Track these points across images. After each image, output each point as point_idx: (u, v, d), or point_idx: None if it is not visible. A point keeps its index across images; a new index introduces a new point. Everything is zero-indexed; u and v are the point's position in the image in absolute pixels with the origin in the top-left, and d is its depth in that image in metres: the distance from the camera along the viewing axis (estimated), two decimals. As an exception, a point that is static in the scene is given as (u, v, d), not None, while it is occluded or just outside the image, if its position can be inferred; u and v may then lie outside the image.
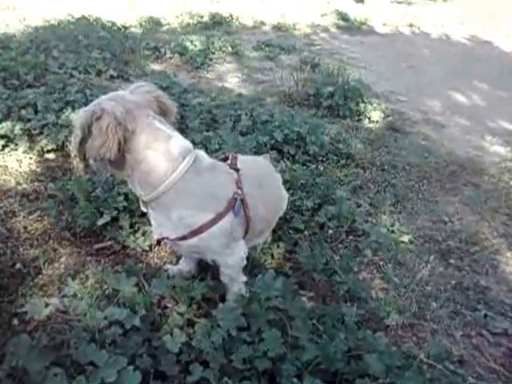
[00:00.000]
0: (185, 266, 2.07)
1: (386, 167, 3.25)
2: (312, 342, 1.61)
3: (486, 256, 2.44)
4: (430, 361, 1.51)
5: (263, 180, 1.91)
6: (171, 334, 1.62)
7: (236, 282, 1.88)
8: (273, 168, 2.20)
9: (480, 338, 1.92)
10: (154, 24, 7.57)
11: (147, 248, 2.22)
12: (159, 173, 1.55)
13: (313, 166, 3.13)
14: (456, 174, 3.30)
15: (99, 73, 4.71)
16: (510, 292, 2.22)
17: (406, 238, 2.48)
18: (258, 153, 3.00)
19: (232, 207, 1.67)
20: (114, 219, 2.33)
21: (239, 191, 1.69)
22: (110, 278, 1.92)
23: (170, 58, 5.78)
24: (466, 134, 4.25)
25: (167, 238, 1.70)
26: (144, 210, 1.73)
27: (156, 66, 5.43)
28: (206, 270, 2.05)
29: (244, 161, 1.90)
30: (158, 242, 1.89)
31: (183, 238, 1.65)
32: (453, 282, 2.21)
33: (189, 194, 1.59)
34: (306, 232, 2.42)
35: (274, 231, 2.40)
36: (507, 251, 2.51)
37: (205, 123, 3.43)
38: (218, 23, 8.09)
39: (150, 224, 1.81)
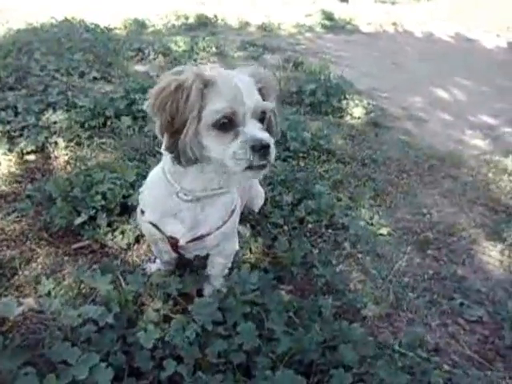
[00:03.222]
0: (164, 263, 2.06)
1: (366, 162, 3.27)
2: (287, 334, 1.61)
3: (464, 246, 2.46)
4: (401, 349, 1.52)
5: None
6: (145, 330, 1.62)
7: (222, 276, 1.90)
8: None
9: (456, 326, 1.94)
10: (139, 26, 7.54)
11: (125, 246, 2.22)
12: None
13: (294, 162, 3.14)
14: (435, 168, 3.32)
15: (82, 74, 4.68)
16: (486, 280, 2.24)
17: (384, 231, 2.49)
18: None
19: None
20: (92, 218, 2.32)
21: None
22: (86, 277, 1.92)
23: (154, 59, 5.74)
24: (446, 129, 4.30)
25: (200, 237, 1.62)
26: (181, 213, 1.57)
27: (139, 67, 5.40)
28: (185, 266, 2.04)
29: None
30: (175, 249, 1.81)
31: (224, 223, 1.63)
32: (430, 272, 2.23)
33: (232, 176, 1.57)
34: (285, 227, 2.42)
35: (252, 227, 2.42)
36: (484, 241, 2.54)
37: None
38: (203, 24, 8.09)
39: (161, 231, 1.64)
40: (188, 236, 1.60)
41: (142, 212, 1.67)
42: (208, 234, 1.62)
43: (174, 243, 1.65)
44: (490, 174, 3.29)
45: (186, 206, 1.54)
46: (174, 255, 1.85)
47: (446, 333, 1.90)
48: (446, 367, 1.71)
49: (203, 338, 1.61)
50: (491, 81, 6.26)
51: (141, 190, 1.73)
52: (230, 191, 1.60)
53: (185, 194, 1.50)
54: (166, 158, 1.45)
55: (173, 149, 1.32)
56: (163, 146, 1.37)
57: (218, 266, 1.87)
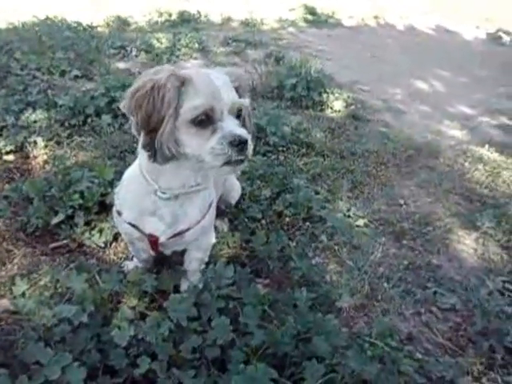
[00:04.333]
0: (141, 261, 2.06)
1: (345, 154, 3.29)
2: (261, 327, 1.63)
3: (439, 235, 2.50)
4: (371, 339, 1.54)
5: None
6: (119, 328, 1.62)
7: (199, 270, 1.91)
8: None
9: (429, 314, 1.97)
10: (121, 23, 7.49)
11: (103, 245, 2.22)
12: None
13: (273, 156, 3.16)
14: (413, 159, 3.36)
15: (63, 73, 4.65)
16: (460, 269, 2.28)
17: (361, 222, 2.52)
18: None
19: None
20: (70, 217, 2.32)
21: None
22: (61, 276, 1.92)
23: (136, 56, 5.72)
24: (425, 120, 4.35)
25: (180, 233, 1.65)
26: (160, 211, 1.59)
27: (121, 65, 5.37)
28: (163, 263, 2.05)
29: None
30: (156, 249, 1.78)
31: (202, 218, 1.65)
32: (405, 263, 2.26)
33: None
34: (263, 221, 2.44)
35: (230, 221, 2.43)
36: (459, 230, 2.58)
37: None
38: (186, 21, 8.06)
39: (140, 230, 1.65)
40: (168, 233, 1.62)
41: (119, 213, 1.67)
42: (188, 229, 1.64)
43: (153, 241, 1.66)
44: (467, 164, 3.34)
45: (165, 204, 1.55)
46: (152, 253, 1.85)
47: (419, 321, 1.93)
48: (418, 355, 1.74)
49: (178, 334, 1.62)
50: (470, 72, 6.34)
51: (116, 190, 1.74)
52: (208, 186, 1.62)
53: (163, 193, 1.51)
54: (143, 156, 1.46)
55: (150, 147, 1.34)
56: (140, 144, 1.39)
57: (195, 261, 1.89)
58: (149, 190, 1.52)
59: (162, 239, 1.62)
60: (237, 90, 1.40)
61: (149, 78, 1.30)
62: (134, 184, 1.59)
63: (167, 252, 1.81)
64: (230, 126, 1.30)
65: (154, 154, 1.35)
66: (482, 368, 1.71)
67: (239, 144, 1.28)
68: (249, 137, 1.31)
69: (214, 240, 1.87)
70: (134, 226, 1.63)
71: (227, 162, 1.31)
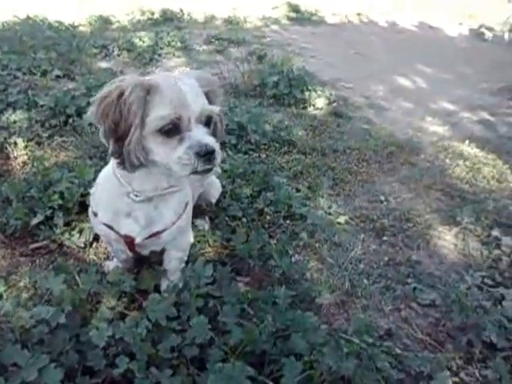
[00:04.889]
0: (121, 261, 2.05)
1: (326, 152, 3.31)
2: (240, 325, 1.63)
3: (419, 231, 2.52)
4: (346, 336, 1.55)
5: None
6: (97, 329, 1.61)
7: (179, 269, 1.91)
8: None
9: (409, 310, 1.99)
10: (104, 22, 7.43)
11: (83, 245, 2.20)
12: None
13: (255, 155, 3.16)
14: (394, 155, 3.39)
15: (44, 73, 4.60)
16: (440, 264, 2.30)
17: (342, 219, 2.53)
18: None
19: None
20: (49, 218, 2.29)
21: None
22: (39, 278, 1.90)
23: (118, 56, 5.69)
24: (407, 116, 4.38)
25: (156, 234, 1.64)
26: (135, 213, 1.58)
27: (103, 64, 5.33)
28: (143, 262, 2.04)
29: None
30: (131, 247, 1.75)
31: (178, 218, 1.64)
32: (386, 259, 2.28)
33: None
34: (244, 219, 2.44)
35: (211, 220, 2.42)
36: (440, 225, 2.60)
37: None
38: (169, 19, 8.03)
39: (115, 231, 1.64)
40: (144, 234, 1.61)
41: (95, 214, 1.66)
42: (164, 230, 1.63)
43: (129, 242, 1.65)
44: (447, 160, 3.37)
45: (139, 206, 1.54)
46: (131, 254, 1.84)
47: (398, 317, 1.95)
48: (397, 351, 1.75)
49: (157, 333, 1.61)
50: (453, 68, 6.41)
51: (91, 191, 1.73)
52: (183, 188, 1.61)
53: (136, 195, 1.51)
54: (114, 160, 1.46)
55: (118, 154, 1.33)
56: (109, 152, 1.38)
57: (174, 260, 1.88)
58: (122, 192, 1.52)
59: (137, 240, 1.61)
60: (207, 94, 1.39)
61: (115, 87, 1.29)
62: (108, 185, 1.58)
63: (145, 252, 1.80)
64: (198, 136, 1.29)
65: (123, 161, 1.34)
66: (461, 362, 1.73)
67: (206, 154, 1.27)
68: (217, 146, 1.31)
69: (192, 239, 1.87)
70: (109, 226, 1.62)
71: (195, 172, 1.31)
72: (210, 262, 1.84)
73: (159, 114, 1.26)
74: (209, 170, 1.33)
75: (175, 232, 1.67)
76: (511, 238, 2.41)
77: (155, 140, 1.30)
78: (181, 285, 1.81)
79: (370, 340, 1.55)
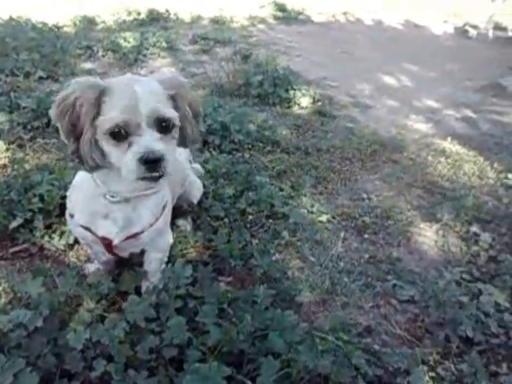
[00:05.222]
0: (102, 263, 2.05)
1: (310, 151, 3.32)
2: (218, 325, 1.63)
3: (400, 228, 2.54)
4: (322, 334, 1.56)
5: None
6: (75, 331, 1.60)
7: (159, 271, 1.89)
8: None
9: (388, 306, 2.00)
10: (89, 23, 7.37)
11: (63, 248, 2.19)
12: None
13: (239, 154, 3.17)
14: (377, 153, 3.40)
15: (27, 75, 4.56)
16: (420, 261, 2.32)
17: (324, 218, 2.54)
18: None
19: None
20: (29, 221, 2.28)
21: None
22: (16, 281, 1.89)
23: (103, 56, 5.65)
24: (391, 115, 4.40)
25: (134, 236, 1.63)
26: (113, 214, 1.57)
27: (87, 65, 5.30)
28: (124, 264, 2.04)
29: None
30: (110, 249, 1.74)
31: (156, 220, 1.63)
32: (366, 256, 2.29)
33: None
34: (226, 219, 2.44)
35: (194, 220, 2.42)
36: (420, 222, 2.62)
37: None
38: (155, 19, 7.98)
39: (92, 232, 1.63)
40: (121, 236, 1.60)
41: (72, 216, 1.65)
42: (142, 232, 1.62)
43: (107, 244, 1.65)
44: (429, 157, 3.40)
45: (117, 207, 1.54)
46: (110, 256, 1.84)
47: (378, 314, 1.96)
48: (376, 347, 1.77)
49: (136, 335, 1.61)
50: (438, 66, 6.45)
51: (68, 193, 1.72)
52: (161, 189, 1.61)
53: (112, 196, 1.50)
54: None
55: (77, 154, 1.34)
56: (68, 152, 1.38)
57: (154, 262, 1.88)
58: (99, 193, 1.51)
59: (115, 242, 1.61)
60: (174, 98, 1.37)
61: (74, 88, 1.30)
62: (85, 186, 1.57)
63: (124, 254, 1.80)
64: (145, 141, 1.26)
65: (82, 161, 1.35)
66: (438, 357, 1.75)
67: (151, 161, 1.25)
68: (165, 152, 1.27)
69: (171, 240, 1.87)
70: (87, 228, 1.61)
71: (143, 178, 1.30)
72: (190, 263, 1.84)
73: (108, 116, 1.26)
74: (158, 177, 1.31)
75: (154, 233, 1.67)
76: (489, 234, 2.44)
77: (108, 142, 1.29)
78: (161, 286, 1.81)
79: (346, 337, 1.56)
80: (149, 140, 1.26)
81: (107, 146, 1.30)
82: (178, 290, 1.76)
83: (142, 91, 1.27)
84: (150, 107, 1.27)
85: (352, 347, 1.54)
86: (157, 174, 1.28)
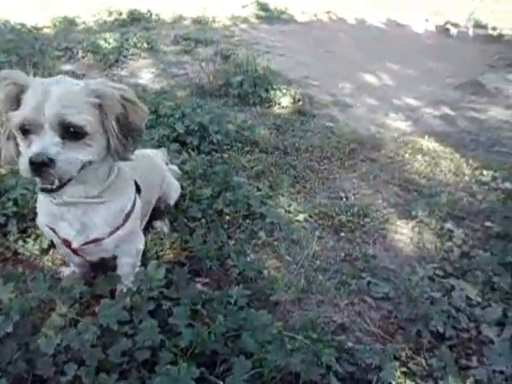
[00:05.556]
0: (77, 266, 2.04)
1: (289, 150, 3.33)
2: (190, 327, 1.64)
3: (376, 226, 2.56)
4: (289, 333, 1.58)
5: (137, 167, 1.92)
6: (46, 336, 1.59)
7: (132, 274, 1.88)
8: (153, 159, 2.27)
9: (362, 304, 2.02)
10: (69, 24, 7.31)
11: (38, 252, 2.17)
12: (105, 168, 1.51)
13: (217, 155, 3.16)
14: (356, 152, 3.43)
15: (5, 77, 4.49)
16: (395, 258, 2.34)
17: (301, 217, 2.55)
18: (160, 146, 2.99)
19: (137, 189, 1.74)
20: (3, 226, 2.25)
21: None
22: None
23: (83, 58, 5.60)
24: (370, 113, 4.44)
25: (94, 241, 1.61)
26: (66, 216, 1.56)
27: (67, 67, 5.26)
28: (101, 268, 2.02)
29: None
30: (74, 252, 1.73)
31: (117, 229, 1.62)
32: (342, 255, 2.31)
33: (123, 181, 1.62)
34: (203, 220, 2.43)
35: (170, 222, 2.41)
36: (397, 220, 2.65)
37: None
38: (136, 20, 7.94)
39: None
40: (80, 239, 1.59)
41: (38, 216, 1.66)
42: (103, 239, 1.62)
43: (68, 246, 1.64)
44: (407, 155, 3.43)
45: (66, 209, 1.53)
46: (78, 258, 1.84)
47: (352, 311, 1.97)
48: (349, 344, 1.78)
49: (108, 338, 1.61)
50: (419, 64, 6.52)
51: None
52: (114, 200, 1.58)
53: (54, 198, 1.48)
54: None
55: None
56: None
57: (126, 266, 1.88)
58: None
59: (74, 245, 1.60)
60: (100, 107, 1.32)
61: None
62: None
63: (92, 258, 1.80)
64: (41, 143, 1.23)
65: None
66: (410, 353, 1.77)
67: (40, 164, 1.21)
68: (58, 158, 1.23)
69: (141, 246, 1.86)
70: (52, 229, 1.61)
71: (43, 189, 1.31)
72: (162, 265, 1.84)
73: (16, 112, 1.26)
74: (51, 190, 1.31)
75: (117, 241, 1.66)
76: (463, 230, 2.48)
77: (19, 137, 1.30)
78: (135, 289, 1.81)
79: (315, 336, 1.57)
80: (45, 142, 1.24)
81: (19, 141, 1.31)
82: (151, 292, 1.76)
83: (56, 93, 1.24)
84: (55, 110, 1.23)
85: (322, 345, 1.56)
86: (44, 181, 1.29)
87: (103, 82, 1.38)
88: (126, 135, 1.38)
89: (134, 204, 1.68)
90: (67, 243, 1.61)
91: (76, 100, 1.28)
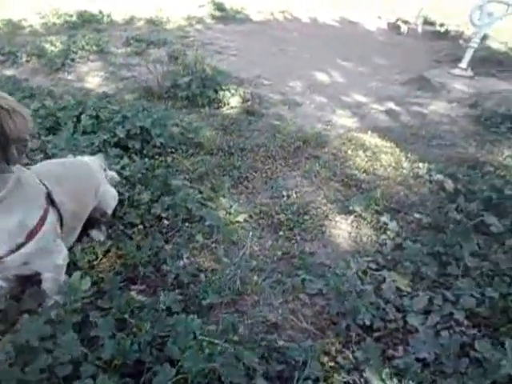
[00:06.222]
0: (4, 282, 1.96)
1: (233, 151, 3.32)
2: (113, 337, 1.60)
3: (315, 223, 2.58)
4: (206, 338, 1.57)
5: (63, 178, 1.88)
6: (-41, 357, 1.53)
7: (56, 288, 1.83)
8: (86, 167, 2.21)
9: (297, 301, 2.03)
10: (14, 27, 7.08)
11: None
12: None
13: (161, 159, 3.12)
14: (300, 150, 3.44)
15: None
16: (332, 253, 2.37)
17: (241, 218, 2.55)
18: (100, 151, 2.93)
19: (50, 201, 1.67)
20: None
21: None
22: None
23: (27, 62, 5.44)
24: (318, 111, 4.47)
25: None
26: None
27: (9, 72, 5.09)
28: (32, 282, 1.96)
29: (46, 164, 2.05)
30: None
31: (21, 245, 1.54)
32: (279, 253, 2.32)
33: (23, 195, 1.52)
34: (140, 226, 2.40)
35: (107, 230, 2.36)
36: (336, 216, 2.68)
37: (46, 128, 3.28)
38: (87, 21, 7.76)
39: None
40: None
41: None
42: (2, 257, 1.54)
43: None
44: (349, 151, 3.47)
45: None
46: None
47: (286, 309, 1.99)
48: (281, 343, 1.79)
49: (29, 355, 1.56)
50: (369, 61, 6.64)
51: None
52: (10, 216, 1.49)
53: None
54: None
55: None
56: None
57: (48, 281, 1.82)
58: None
59: None
60: None
61: None
62: None
63: (6, 274, 1.74)
64: None
65: None
66: (340, 347, 1.80)
67: None
68: None
69: (60, 261, 1.79)
70: None
71: None
72: (86, 275, 1.80)
73: None
74: None
75: (23, 259, 1.59)
76: (397, 223, 2.53)
77: None
78: (62, 301, 1.76)
79: (236, 338, 1.58)
80: None
81: None
82: (75, 303, 1.72)
83: None
84: None
85: (243, 347, 1.55)
86: None
87: None
88: (5, 146, 1.31)
89: (42, 220, 1.60)
90: None
91: None
